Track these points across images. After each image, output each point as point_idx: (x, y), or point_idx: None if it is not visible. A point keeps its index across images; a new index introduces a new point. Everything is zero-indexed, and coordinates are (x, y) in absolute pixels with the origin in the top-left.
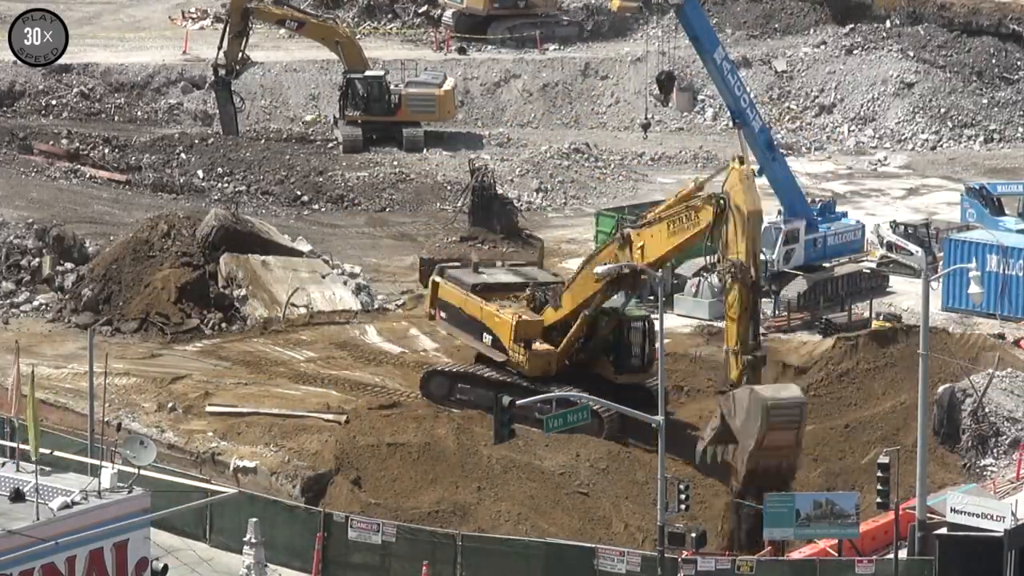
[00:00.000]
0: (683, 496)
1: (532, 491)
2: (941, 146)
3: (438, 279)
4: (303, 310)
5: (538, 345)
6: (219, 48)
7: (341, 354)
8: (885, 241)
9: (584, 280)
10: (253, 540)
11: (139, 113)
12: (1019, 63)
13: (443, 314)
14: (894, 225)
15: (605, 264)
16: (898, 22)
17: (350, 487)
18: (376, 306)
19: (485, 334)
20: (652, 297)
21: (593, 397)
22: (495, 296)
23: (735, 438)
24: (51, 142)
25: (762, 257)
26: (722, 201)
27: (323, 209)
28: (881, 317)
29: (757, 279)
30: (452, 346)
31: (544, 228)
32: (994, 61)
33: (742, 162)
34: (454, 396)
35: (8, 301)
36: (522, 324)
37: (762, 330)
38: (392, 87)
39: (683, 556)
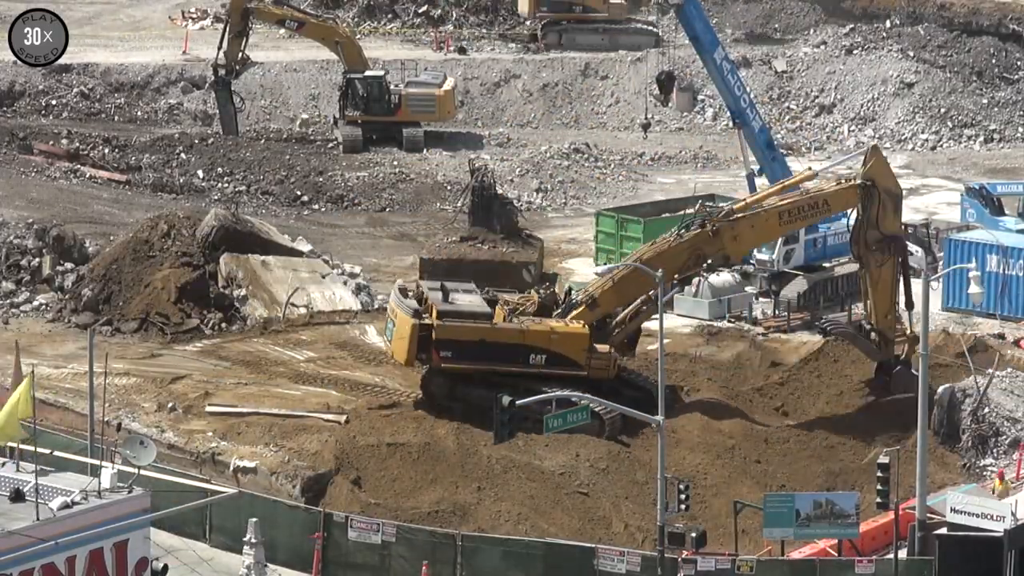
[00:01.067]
0: (683, 496)
1: (532, 491)
2: (941, 146)
3: (438, 321)
4: (303, 310)
5: (600, 347)
6: (219, 48)
7: (341, 354)
8: None
9: (631, 279)
10: (253, 540)
11: (139, 113)
12: (1019, 63)
13: (448, 353)
14: None
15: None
16: (898, 22)
17: (350, 487)
18: (376, 306)
19: (533, 355)
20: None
21: (594, 398)
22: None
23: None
24: (51, 142)
25: (762, 257)
26: (868, 184)
27: (323, 209)
28: None
29: (907, 252)
30: None
31: (544, 228)
32: (994, 61)
33: (876, 149)
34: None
35: (8, 301)
36: (592, 330)
37: (761, 330)
38: (392, 87)
39: (683, 556)
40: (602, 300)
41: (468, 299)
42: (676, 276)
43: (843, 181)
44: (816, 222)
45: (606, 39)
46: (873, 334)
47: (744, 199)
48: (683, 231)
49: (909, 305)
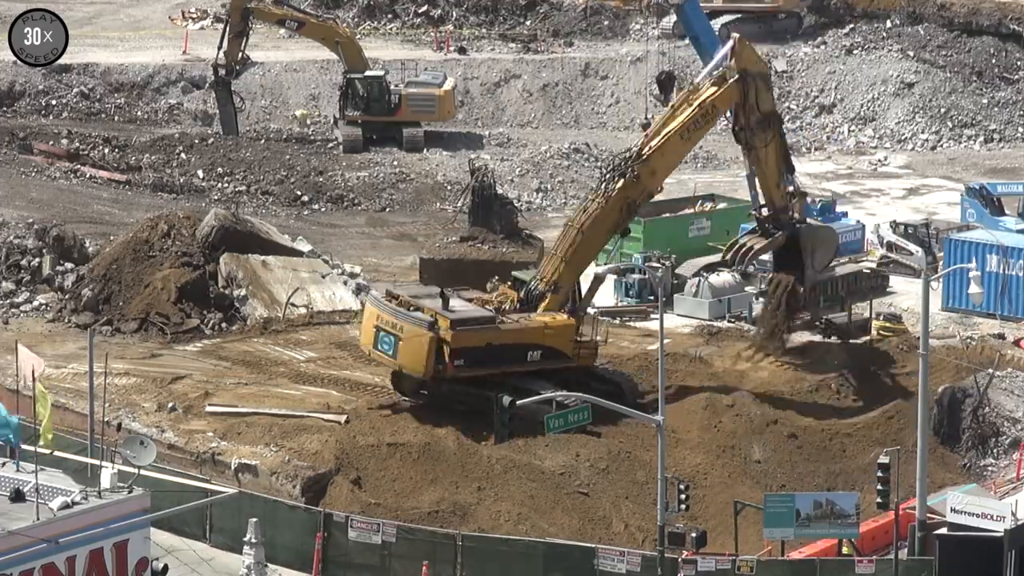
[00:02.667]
0: (683, 496)
1: (532, 491)
2: (941, 146)
3: (451, 331)
4: (303, 310)
5: (582, 335)
6: (219, 48)
7: (341, 354)
8: (885, 241)
9: (584, 249)
10: (253, 540)
11: (139, 113)
12: (1019, 63)
13: (460, 361)
14: (894, 225)
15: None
16: (898, 22)
17: (350, 487)
18: None
19: (531, 352)
20: (652, 297)
21: (591, 397)
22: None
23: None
24: (51, 142)
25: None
26: (744, 75)
27: (323, 209)
28: (881, 317)
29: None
30: None
31: (544, 228)
32: (994, 61)
33: (740, 39)
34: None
35: (8, 301)
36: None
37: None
38: (392, 87)
39: (683, 556)
40: (562, 281)
41: (465, 305)
42: (617, 231)
43: (721, 81)
44: (713, 126)
45: (761, 28)
46: (768, 222)
47: (644, 136)
48: (609, 188)
49: (791, 169)
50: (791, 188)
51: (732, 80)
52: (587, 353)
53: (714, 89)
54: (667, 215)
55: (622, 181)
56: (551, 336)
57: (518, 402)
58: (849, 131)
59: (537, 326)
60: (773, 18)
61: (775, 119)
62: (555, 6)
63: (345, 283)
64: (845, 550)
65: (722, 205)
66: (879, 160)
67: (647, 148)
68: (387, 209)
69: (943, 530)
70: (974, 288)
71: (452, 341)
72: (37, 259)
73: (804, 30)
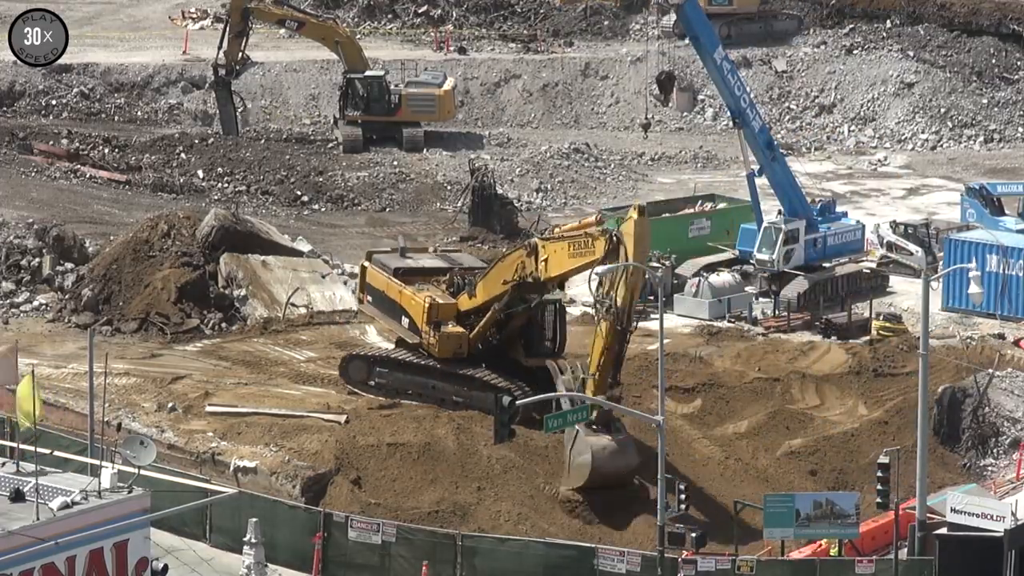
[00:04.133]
0: (683, 496)
1: (532, 491)
2: (941, 146)
3: (366, 263)
4: (303, 310)
5: (450, 328)
6: (219, 48)
7: (341, 354)
8: (885, 241)
9: (494, 278)
10: (253, 540)
11: (139, 113)
12: (1019, 63)
13: (369, 298)
14: (894, 225)
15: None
16: (898, 22)
17: (350, 487)
18: None
19: (403, 317)
20: (652, 297)
21: (588, 396)
22: (416, 280)
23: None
24: (51, 142)
25: (763, 257)
26: (615, 239)
27: (323, 209)
28: (881, 317)
29: (627, 327)
30: None
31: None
32: (994, 61)
33: (642, 212)
34: (373, 380)
35: (8, 301)
36: (434, 307)
37: (761, 330)
38: (392, 87)
39: (683, 556)
40: (478, 291)
41: (416, 257)
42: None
43: (605, 230)
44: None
45: (759, 28)
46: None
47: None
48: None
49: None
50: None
51: (603, 232)
52: (448, 346)
53: (597, 228)
54: (667, 215)
55: (526, 247)
56: (411, 308)
57: (518, 402)
58: (849, 131)
59: (408, 295)
60: (774, 19)
61: (615, 316)
62: (555, 6)
63: (345, 283)
64: (833, 551)
65: (722, 205)
66: (879, 160)
67: (553, 235)
68: (387, 209)
69: (943, 530)
70: (974, 288)
71: (360, 272)
72: (37, 259)
73: (789, 31)
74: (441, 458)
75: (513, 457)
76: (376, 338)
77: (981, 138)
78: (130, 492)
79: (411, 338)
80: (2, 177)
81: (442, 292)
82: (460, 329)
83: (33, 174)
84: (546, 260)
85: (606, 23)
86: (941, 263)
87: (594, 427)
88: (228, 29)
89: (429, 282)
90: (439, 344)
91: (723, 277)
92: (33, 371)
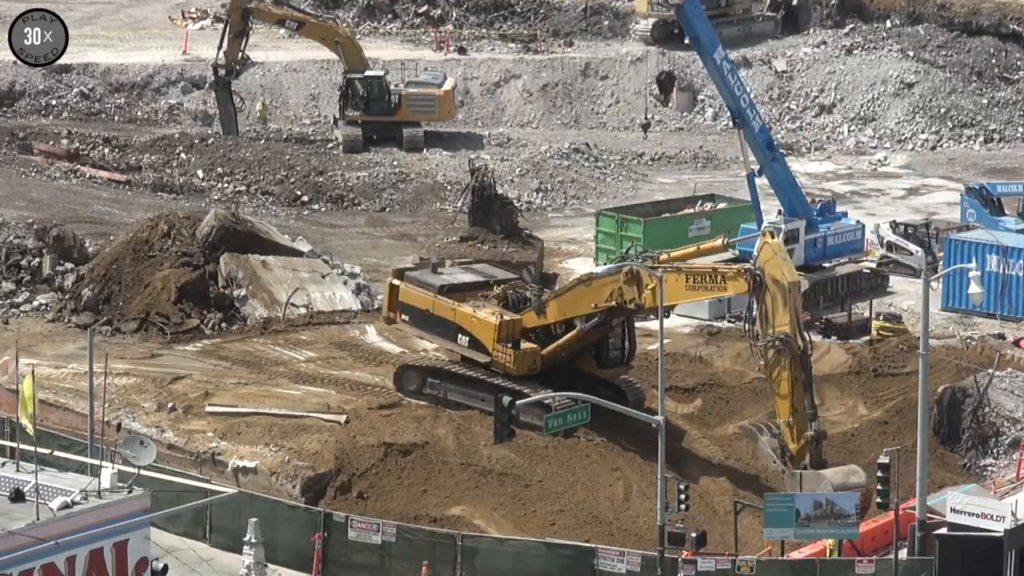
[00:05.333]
0: (683, 496)
1: (531, 493)
2: (941, 146)
3: (397, 282)
4: (303, 310)
5: (526, 345)
6: (219, 48)
7: (341, 354)
8: (885, 241)
9: (579, 297)
10: (253, 540)
11: (139, 113)
12: (1019, 63)
13: (405, 316)
14: (894, 225)
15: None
16: (898, 22)
17: (350, 487)
18: (376, 306)
19: (460, 335)
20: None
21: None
22: (464, 297)
23: None
24: (51, 142)
25: None
26: (757, 276)
27: (323, 209)
28: (881, 317)
29: (805, 348)
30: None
31: (544, 228)
32: (994, 61)
33: (772, 236)
34: (438, 393)
35: (8, 301)
36: (505, 324)
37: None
38: (392, 87)
39: (683, 556)
40: (549, 309)
41: (451, 272)
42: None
43: (744, 269)
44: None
45: (740, 30)
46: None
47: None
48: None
49: (801, 424)
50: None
51: (740, 272)
52: (524, 363)
53: (732, 269)
54: (667, 215)
55: (625, 275)
56: (475, 327)
57: (518, 402)
58: (849, 131)
59: (466, 313)
60: (752, 20)
61: (788, 346)
62: (555, 6)
63: (345, 283)
64: (832, 553)
65: (722, 205)
66: (879, 160)
67: (661, 264)
68: (387, 209)
69: (943, 530)
70: (974, 288)
71: (390, 290)
72: (37, 259)
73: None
74: (441, 458)
75: (513, 457)
76: (376, 338)
77: (981, 138)
78: (130, 492)
79: (478, 357)
80: (2, 177)
81: (498, 307)
82: (534, 346)
83: (33, 174)
84: (653, 289)
85: (606, 23)
86: (941, 263)
87: (805, 467)
88: (228, 29)
89: (476, 298)
90: (516, 362)
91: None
92: (33, 371)
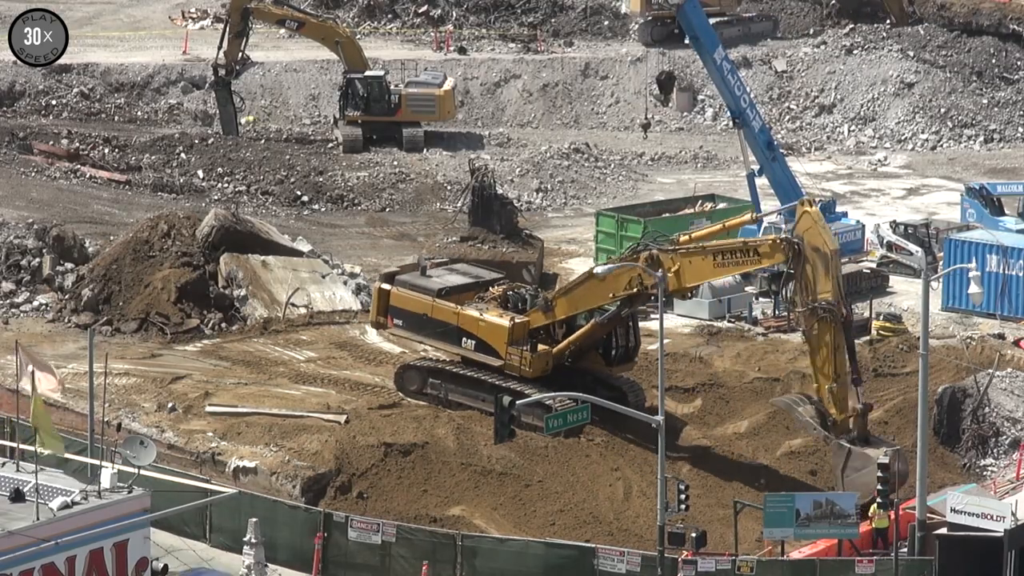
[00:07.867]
0: (683, 496)
1: (531, 492)
2: (941, 146)
3: (387, 287)
4: (303, 310)
5: (540, 347)
6: (219, 48)
7: (341, 354)
8: (885, 241)
9: (591, 290)
10: (253, 540)
11: (139, 113)
12: (1019, 63)
13: (398, 321)
14: (894, 225)
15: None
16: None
17: (350, 487)
18: None
19: (465, 339)
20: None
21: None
22: (460, 299)
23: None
24: (51, 142)
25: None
26: (796, 245)
27: (323, 209)
28: (881, 317)
29: (849, 316)
30: None
31: (544, 228)
32: (994, 61)
33: (811, 203)
34: (439, 393)
35: (8, 301)
36: (518, 327)
37: (761, 330)
38: (392, 87)
39: (683, 556)
40: (558, 306)
41: (443, 275)
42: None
43: (781, 239)
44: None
45: (738, 31)
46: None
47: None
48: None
49: (856, 381)
50: (856, 404)
51: (778, 243)
52: (539, 365)
53: (766, 241)
54: (667, 215)
55: (644, 261)
56: (482, 330)
57: (518, 402)
58: (849, 131)
59: (471, 316)
60: (750, 21)
61: (832, 314)
62: (555, 6)
63: (345, 283)
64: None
65: (722, 205)
66: (879, 160)
67: (681, 246)
68: (387, 209)
69: (943, 530)
70: (974, 288)
71: (380, 295)
72: (37, 259)
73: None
74: (441, 458)
75: (513, 457)
76: (376, 338)
77: (981, 138)
78: (130, 492)
79: (490, 360)
80: (2, 177)
81: (500, 308)
82: (547, 347)
83: (33, 174)
84: (677, 271)
85: (606, 23)
86: (941, 263)
87: (853, 440)
88: (228, 29)
89: (473, 299)
90: (532, 364)
91: (723, 277)
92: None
